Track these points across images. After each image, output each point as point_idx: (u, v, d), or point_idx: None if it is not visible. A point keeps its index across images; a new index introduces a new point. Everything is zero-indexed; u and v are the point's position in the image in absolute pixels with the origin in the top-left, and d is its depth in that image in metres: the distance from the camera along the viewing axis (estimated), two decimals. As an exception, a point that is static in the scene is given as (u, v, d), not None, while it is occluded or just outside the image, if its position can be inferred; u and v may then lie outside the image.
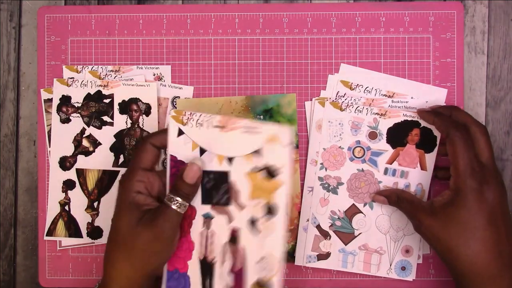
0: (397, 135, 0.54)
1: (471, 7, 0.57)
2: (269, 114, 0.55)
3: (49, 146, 0.56)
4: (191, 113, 0.47)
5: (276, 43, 0.56)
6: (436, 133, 0.53)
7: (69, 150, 0.56)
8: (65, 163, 0.56)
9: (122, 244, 0.45)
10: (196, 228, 0.48)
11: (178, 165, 0.47)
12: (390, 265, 0.54)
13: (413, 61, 0.56)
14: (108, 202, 0.56)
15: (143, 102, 0.56)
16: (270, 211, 0.46)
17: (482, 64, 0.57)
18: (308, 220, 0.55)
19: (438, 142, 0.53)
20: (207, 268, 0.48)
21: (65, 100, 0.56)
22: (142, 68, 0.56)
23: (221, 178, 0.47)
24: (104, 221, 0.56)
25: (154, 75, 0.56)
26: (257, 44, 0.56)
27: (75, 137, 0.56)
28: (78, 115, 0.56)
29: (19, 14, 0.58)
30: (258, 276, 0.47)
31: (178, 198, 0.45)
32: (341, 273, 0.56)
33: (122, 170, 0.56)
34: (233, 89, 0.56)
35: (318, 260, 0.55)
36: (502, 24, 0.57)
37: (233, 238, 0.47)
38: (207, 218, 0.47)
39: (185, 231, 0.48)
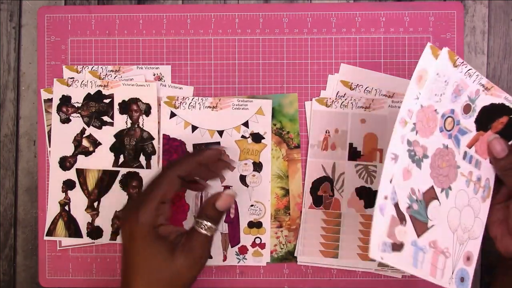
0: (487, 117, 0.50)
1: (471, 7, 0.57)
2: (271, 113, 0.55)
3: (49, 146, 0.56)
4: (183, 98, 0.55)
5: (276, 43, 0.56)
6: None
7: (69, 150, 0.56)
8: (65, 163, 0.56)
9: (155, 277, 0.44)
10: (191, 192, 0.55)
11: (171, 142, 0.55)
12: (452, 273, 0.49)
13: (413, 61, 0.56)
14: (108, 202, 0.56)
15: (143, 102, 0.56)
16: (256, 168, 0.55)
17: (482, 64, 0.57)
18: (386, 198, 0.45)
19: None
20: None
21: (65, 100, 0.56)
22: (142, 68, 0.56)
23: None
24: (104, 221, 0.56)
25: (154, 75, 0.56)
26: (257, 44, 0.56)
27: (75, 137, 0.56)
28: (78, 115, 0.56)
29: (19, 14, 0.58)
30: (249, 219, 0.55)
31: (207, 223, 0.45)
32: (341, 273, 0.56)
33: (122, 170, 0.56)
34: (233, 89, 0.56)
35: (392, 250, 0.46)
36: (502, 24, 0.57)
37: None
38: None
39: (180, 195, 0.55)
